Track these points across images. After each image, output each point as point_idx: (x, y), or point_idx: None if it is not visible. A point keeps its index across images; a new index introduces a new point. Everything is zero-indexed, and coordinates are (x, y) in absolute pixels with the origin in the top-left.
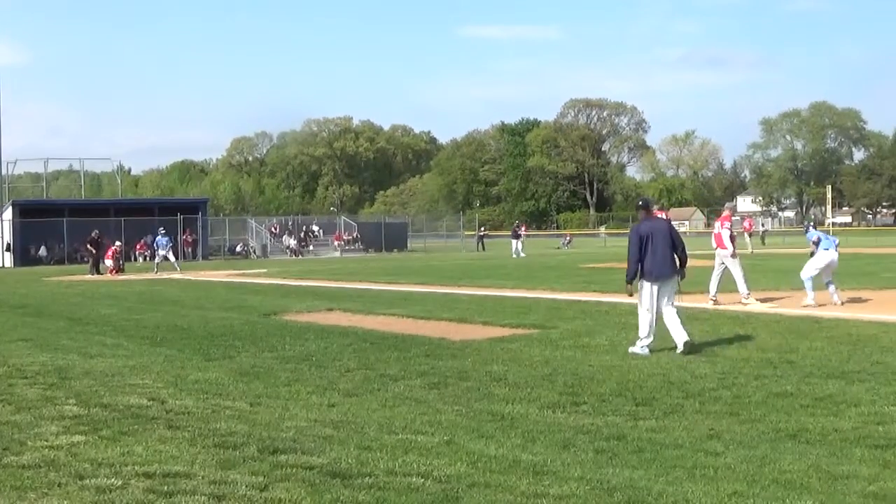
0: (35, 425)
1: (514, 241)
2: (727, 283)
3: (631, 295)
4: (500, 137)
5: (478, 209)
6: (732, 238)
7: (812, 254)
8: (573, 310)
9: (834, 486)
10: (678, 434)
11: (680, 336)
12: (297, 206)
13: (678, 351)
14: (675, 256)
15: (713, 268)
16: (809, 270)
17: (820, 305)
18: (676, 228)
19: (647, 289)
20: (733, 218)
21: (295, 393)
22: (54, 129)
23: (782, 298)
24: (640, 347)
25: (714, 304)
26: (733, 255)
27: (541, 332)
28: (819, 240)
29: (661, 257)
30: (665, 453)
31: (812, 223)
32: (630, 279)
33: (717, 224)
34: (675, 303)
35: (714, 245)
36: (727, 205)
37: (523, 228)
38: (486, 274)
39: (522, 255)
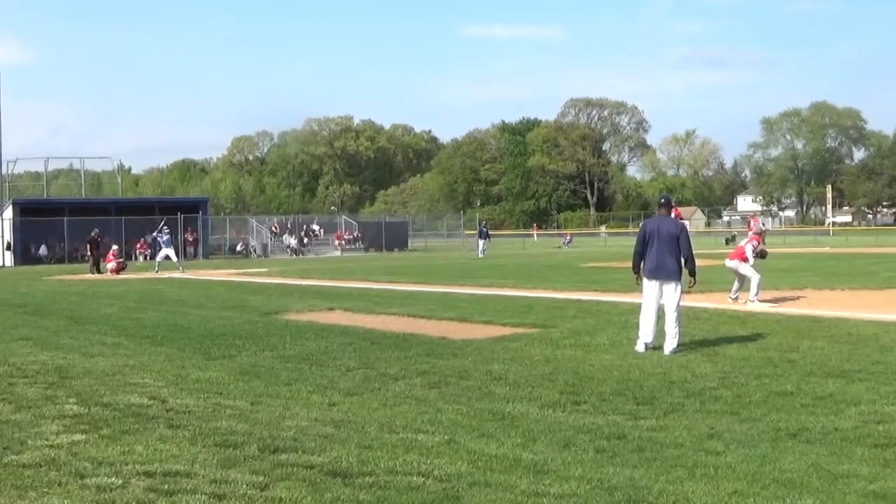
0: (35, 424)
1: (479, 241)
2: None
3: (637, 283)
4: (500, 137)
5: (478, 208)
6: (754, 251)
7: None
8: (574, 309)
9: (834, 485)
10: (679, 433)
11: (667, 341)
12: (297, 206)
13: (664, 353)
14: (679, 259)
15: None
16: None
17: None
18: (688, 233)
19: (645, 284)
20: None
21: (295, 392)
22: (56, 128)
23: (783, 298)
24: (637, 344)
25: (733, 302)
26: (753, 265)
27: (541, 332)
28: None
29: (656, 255)
30: (666, 452)
31: None
32: (634, 270)
33: (745, 241)
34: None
35: (730, 256)
36: (758, 227)
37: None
38: (486, 273)
39: (481, 255)
